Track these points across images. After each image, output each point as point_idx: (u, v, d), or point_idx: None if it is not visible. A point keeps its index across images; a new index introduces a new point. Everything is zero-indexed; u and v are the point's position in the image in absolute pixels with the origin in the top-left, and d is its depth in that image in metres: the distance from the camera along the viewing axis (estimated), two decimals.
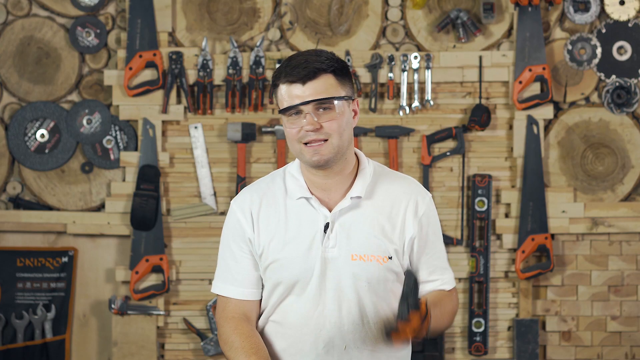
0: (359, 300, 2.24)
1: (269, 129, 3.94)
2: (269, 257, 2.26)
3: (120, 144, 4.03)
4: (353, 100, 2.26)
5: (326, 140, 2.20)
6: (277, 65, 3.93)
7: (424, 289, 2.30)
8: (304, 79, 2.18)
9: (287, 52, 3.95)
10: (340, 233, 2.25)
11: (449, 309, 2.28)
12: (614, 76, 4.01)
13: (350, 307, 2.24)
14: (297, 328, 2.26)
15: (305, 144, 2.20)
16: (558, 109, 4.05)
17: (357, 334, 2.24)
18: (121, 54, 3.97)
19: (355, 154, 2.31)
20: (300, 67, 2.19)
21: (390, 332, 2.09)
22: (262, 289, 2.31)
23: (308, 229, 2.26)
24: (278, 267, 2.26)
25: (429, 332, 2.13)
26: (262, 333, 2.30)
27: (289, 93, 2.20)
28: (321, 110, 2.20)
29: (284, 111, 2.21)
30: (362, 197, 2.26)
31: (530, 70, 3.93)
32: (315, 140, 2.20)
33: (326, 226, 2.25)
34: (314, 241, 2.25)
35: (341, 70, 2.23)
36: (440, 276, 2.32)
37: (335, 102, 2.20)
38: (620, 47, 4.02)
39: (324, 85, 2.20)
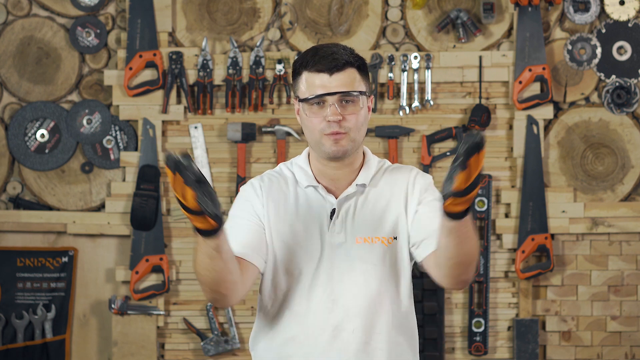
0: (365, 283, 2.27)
1: (269, 129, 3.95)
2: (276, 243, 2.28)
3: (120, 144, 4.04)
4: (369, 97, 2.30)
5: (346, 132, 2.24)
6: (278, 65, 3.99)
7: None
8: (331, 70, 2.21)
9: (287, 52, 3.96)
10: (345, 218, 2.28)
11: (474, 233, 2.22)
12: (613, 76, 4.02)
13: (357, 290, 2.27)
14: (305, 314, 2.28)
15: (326, 134, 2.23)
16: (558, 109, 4.06)
17: (364, 317, 2.26)
18: (121, 54, 3.98)
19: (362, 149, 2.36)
20: (329, 58, 2.22)
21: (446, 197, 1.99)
22: (265, 264, 2.30)
23: (315, 215, 2.29)
24: (285, 254, 2.29)
25: (471, 204, 2.04)
26: (270, 324, 2.32)
27: (314, 82, 2.23)
28: (344, 102, 2.23)
29: (306, 100, 2.23)
30: (366, 184, 2.30)
31: (530, 70, 3.94)
32: (337, 132, 2.23)
33: (332, 212, 2.28)
34: (320, 227, 2.28)
35: (363, 66, 2.27)
36: None
37: (359, 95, 2.24)
38: (620, 47, 4.03)
39: (349, 78, 2.24)
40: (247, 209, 2.33)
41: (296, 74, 2.27)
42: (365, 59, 2.30)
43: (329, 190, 2.32)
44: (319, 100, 2.23)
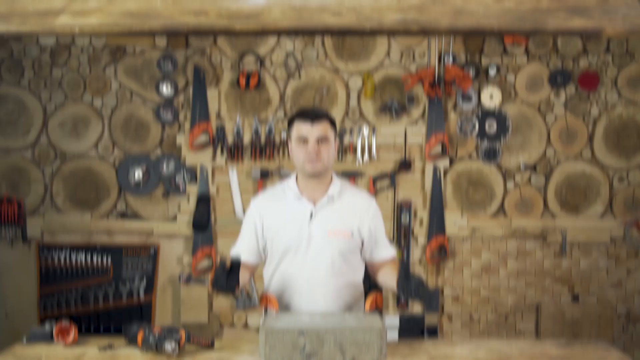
0: (332, 261, 2.84)
1: (277, 172, 4.92)
2: (273, 234, 2.85)
3: (186, 180, 4.98)
4: (335, 140, 2.83)
5: (320, 161, 2.76)
6: (283, 132, 4.89)
7: (381, 256, 2.83)
8: (313, 120, 2.74)
9: None
10: (320, 218, 2.83)
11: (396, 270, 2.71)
12: (486, 141, 5.00)
13: (326, 265, 2.85)
14: (292, 277, 2.88)
15: (307, 162, 2.76)
16: (452, 161, 5.02)
17: (329, 280, 2.86)
18: (187, 125, 4.95)
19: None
20: (312, 112, 2.76)
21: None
22: (265, 257, 2.87)
23: (299, 216, 2.85)
24: (278, 239, 2.86)
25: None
26: (270, 285, 2.90)
27: (300, 128, 2.74)
28: (320, 142, 2.75)
29: (296, 139, 2.72)
30: (334, 196, 2.84)
31: (435, 136, 4.90)
32: (315, 160, 2.74)
33: (311, 214, 2.83)
34: (302, 223, 2.84)
35: (333, 121, 2.86)
36: (389, 252, 2.94)
37: (330, 138, 2.77)
38: (490, 124, 5.03)
39: (324, 127, 2.76)
40: (251, 227, 2.86)
41: (290, 123, 2.80)
42: (335, 118, 2.73)
43: (309, 199, 2.83)
44: (304, 140, 2.73)
